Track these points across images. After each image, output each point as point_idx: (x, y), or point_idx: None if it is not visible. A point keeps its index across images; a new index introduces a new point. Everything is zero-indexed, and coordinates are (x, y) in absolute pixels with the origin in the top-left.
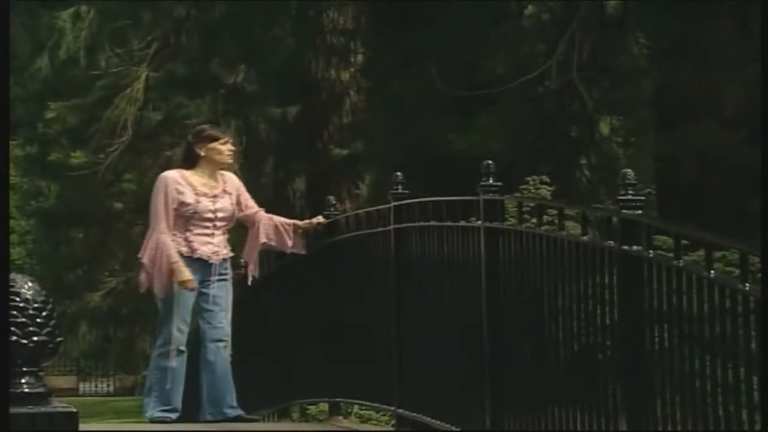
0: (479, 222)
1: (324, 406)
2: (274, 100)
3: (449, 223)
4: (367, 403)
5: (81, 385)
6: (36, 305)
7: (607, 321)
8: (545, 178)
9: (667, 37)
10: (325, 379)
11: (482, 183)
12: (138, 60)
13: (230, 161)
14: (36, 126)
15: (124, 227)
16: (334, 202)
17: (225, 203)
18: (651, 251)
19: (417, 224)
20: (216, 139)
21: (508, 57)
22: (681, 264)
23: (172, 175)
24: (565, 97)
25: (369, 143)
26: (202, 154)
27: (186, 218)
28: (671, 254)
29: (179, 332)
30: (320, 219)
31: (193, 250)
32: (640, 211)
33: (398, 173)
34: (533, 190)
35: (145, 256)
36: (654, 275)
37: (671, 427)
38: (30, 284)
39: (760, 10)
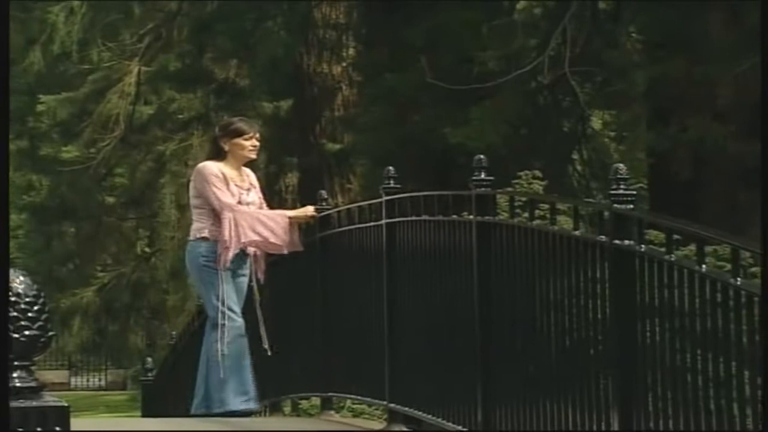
0: (471, 216)
1: (316, 401)
2: (266, 95)
3: (441, 218)
4: (359, 397)
5: (73, 380)
6: (27, 299)
7: (599, 315)
8: (537, 173)
9: (659, 31)
10: (316, 373)
11: (474, 177)
12: (130, 54)
13: (253, 156)
14: (27, 120)
15: (116, 221)
16: (326, 197)
17: (254, 197)
18: (642, 246)
19: (409, 219)
20: (240, 134)
21: (501, 51)
22: (672, 258)
23: (209, 165)
24: (558, 91)
25: (361, 137)
26: (226, 148)
27: None
28: (663, 249)
29: (237, 315)
30: (311, 210)
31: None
32: (631, 206)
33: (390, 167)
34: (526, 185)
35: (224, 235)
36: (645, 269)
37: (663, 421)
38: (21, 278)
39: (760, 10)
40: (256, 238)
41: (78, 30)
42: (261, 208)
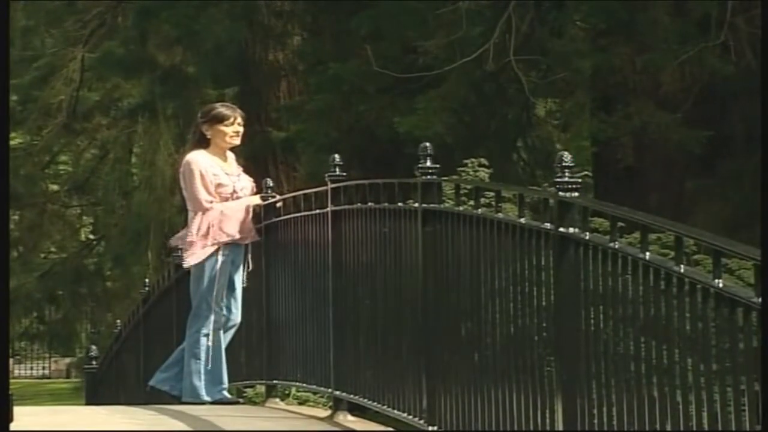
0: (416, 204)
1: (261, 389)
2: (211, 83)
3: (387, 205)
4: (304, 385)
5: (17, 369)
6: None
7: (544, 302)
8: (483, 161)
9: (603, 19)
10: (262, 361)
11: (420, 165)
12: (74, 41)
13: (236, 142)
14: None
15: (60, 208)
16: (271, 185)
17: (245, 181)
18: (587, 233)
19: (354, 206)
20: (221, 120)
21: (446, 39)
22: (616, 246)
23: (200, 157)
24: (503, 79)
25: (306, 125)
26: (209, 135)
27: (224, 199)
28: (607, 236)
29: (224, 309)
30: (257, 200)
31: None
32: (576, 194)
33: (335, 155)
34: (471, 173)
35: (191, 236)
36: (590, 257)
37: (606, 407)
38: None
39: (761, 9)
40: (225, 239)
41: (21, 16)
42: (253, 191)
